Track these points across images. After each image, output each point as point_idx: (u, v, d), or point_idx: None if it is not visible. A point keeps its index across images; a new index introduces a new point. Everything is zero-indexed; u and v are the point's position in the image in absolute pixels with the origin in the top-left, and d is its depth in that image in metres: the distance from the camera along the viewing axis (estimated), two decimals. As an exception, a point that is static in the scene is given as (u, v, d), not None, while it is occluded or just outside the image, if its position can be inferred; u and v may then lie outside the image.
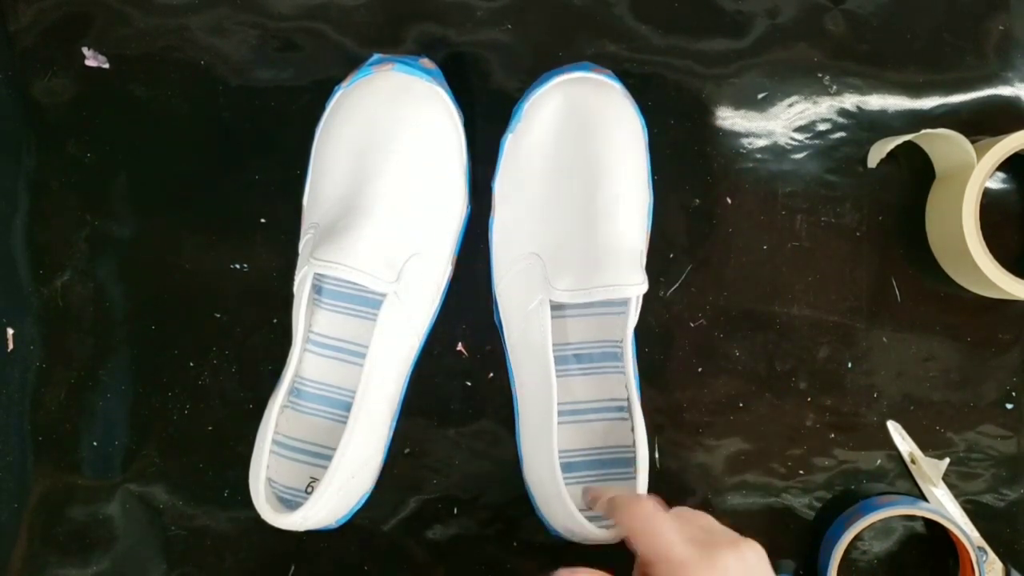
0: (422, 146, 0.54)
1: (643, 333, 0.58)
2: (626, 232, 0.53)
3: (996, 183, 0.60)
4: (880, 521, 0.57)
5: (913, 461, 0.59)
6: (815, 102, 0.60)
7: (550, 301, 0.52)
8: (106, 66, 0.59)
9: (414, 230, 0.53)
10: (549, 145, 0.54)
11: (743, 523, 0.58)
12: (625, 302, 0.54)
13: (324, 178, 0.54)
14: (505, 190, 0.56)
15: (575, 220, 0.53)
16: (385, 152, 0.53)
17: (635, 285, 0.51)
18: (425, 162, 0.54)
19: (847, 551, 0.57)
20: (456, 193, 0.56)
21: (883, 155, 0.58)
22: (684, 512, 0.46)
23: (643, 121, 0.56)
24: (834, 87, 0.60)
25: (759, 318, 0.59)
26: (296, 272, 0.54)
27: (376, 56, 0.55)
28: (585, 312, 0.57)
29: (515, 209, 0.55)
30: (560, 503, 0.51)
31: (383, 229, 0.51)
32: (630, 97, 0.55)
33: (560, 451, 0.54)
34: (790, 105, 0.60)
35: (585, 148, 0.53)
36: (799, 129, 0.60)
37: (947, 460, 0.58)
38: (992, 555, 0.58)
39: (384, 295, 0.52)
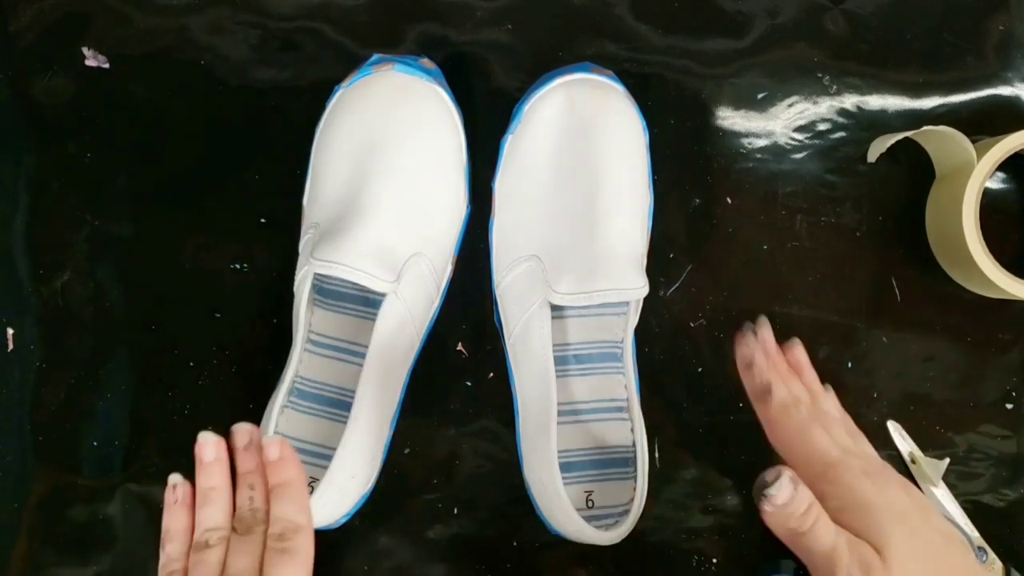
0: (423, 146, 0.54)
1: (643, 333, 0.58)
2: (627, 235, 0.53)
3: (996, 183, 0.60)
4: (880, 521, 0.56)
5: (913, 461, 0.59)
6: (815, 102, 0.60)
7: (550, 303, 0.52)
8: (106, 66, 0.59)
9: (414, 230, 0.53)
10: (549, 147, 0.54)
11: (743, 523, 0.58)
12: (625, 303, 0.54)
13: (324, 178, 0.54)
14: (505, 191, 0.56)
15: (575, 223, 0.53)
16: (385, 152, 0.53)
17: (636, 289, 0.51)
18: (425, 162, 0.54)
19: (847, 551, 0.57)
20: (456, 193, 0.56)
21: (883, 150, 0.58)
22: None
23: (644, 122, 0.56)
24: (834, 87, 0.60)
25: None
26: (296, 272, 0.54)
27: (376, 56, 0.55)
28: (585, 313, 0.56)
29: (515, 211, 0.55)
30: (559, 503, 0.51)
31: (383, 229, 0.51)
32: (631, 98, 0.55)
33: (560, 451, 0.54)
34: (790, 105, 0.60)
35: (585, 150, 0.53)
36: (799, 129, 0.60)
37: (947, 460, 0.58)
38: (992, 555, 0.58)
39: (384, 295, 0.52)
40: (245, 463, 0.44)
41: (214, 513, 0.42)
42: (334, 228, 0.51)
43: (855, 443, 0.50)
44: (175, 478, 0.44)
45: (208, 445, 0.43)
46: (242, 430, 0.44)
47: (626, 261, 0.52)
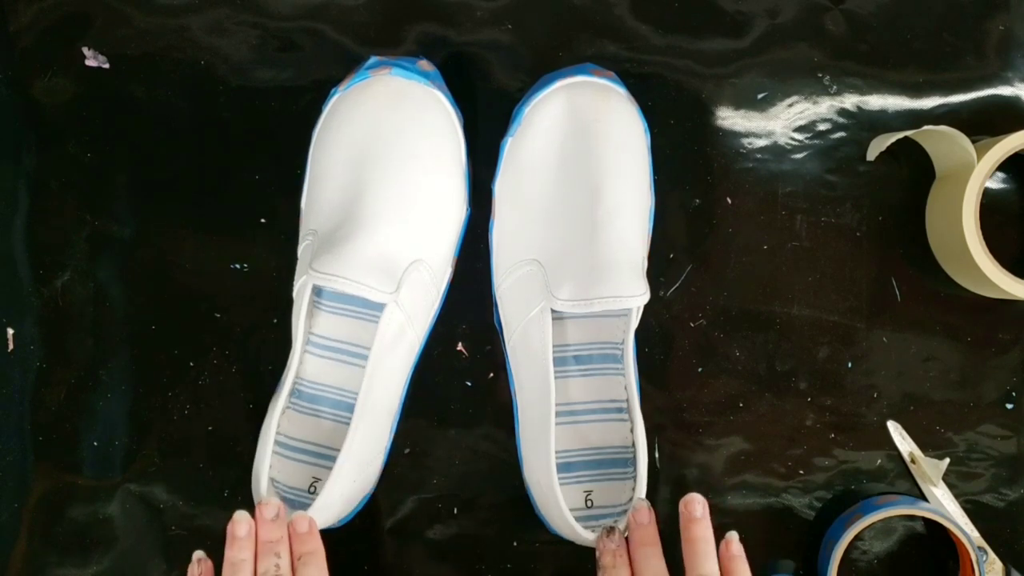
0: (421, 153, 0.53)
1: (643, 333, 0.58)
2: (627, 241, 0.52)
3: (996, 183, 0.60)
4: (880, 521, 0.57)
5: (913, 461, 0.59)
6: (815, 102, 0.60)
7: (551, 309, 0.52)
8: (106, 66, 0.59)
9: (414, 238, 0.52)
10: (550, 150, 0.54)
11: (743, 523, 0.58)
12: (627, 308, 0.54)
13: (321, 184, 0.54)
14: (505, 194, 0.55)
15: (576, 228, 0.52)
16: (383, 160, 0.52)
17: (636, 296, 0.50)
18: (424, 169, 0.53)
19: (847, 551, 0.57)
20: (456, 197, 0.55)
21: (883, 148, 0.58)
22: None
23: (645, 125, 0.56)
24: (834, 87, 0.60)
25: (759, 318, 0.59)
26: (295, 279, 0.54)
27: (373, 59, 0.55)
28: (586, 315, 0.56)
29: (515, 214, 0.55)
30: (555, 504, 0.51)
31: (382, 239, 0.51)
32: (632, 100, 0.55)
33: (560, 451, 0.54)
34: (790, 105, 0.60)
35: (586, 154, 0.53)
36: (799, 129, 0.60)
37: (947, 460, 0.58)
38: (992, 555, 0.58)
39: (384, 304, 0.51)
40: (272, 532, 0.48)
41: None
42: (333, 238, 0.51)
43: None
44: (199, 553, 0.49)
45: (243, 523, 0.48)
46: (271, 504, 0.49)
47: (627, 268, 0.51)
